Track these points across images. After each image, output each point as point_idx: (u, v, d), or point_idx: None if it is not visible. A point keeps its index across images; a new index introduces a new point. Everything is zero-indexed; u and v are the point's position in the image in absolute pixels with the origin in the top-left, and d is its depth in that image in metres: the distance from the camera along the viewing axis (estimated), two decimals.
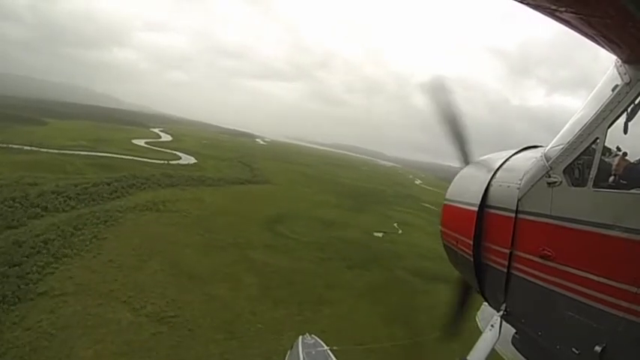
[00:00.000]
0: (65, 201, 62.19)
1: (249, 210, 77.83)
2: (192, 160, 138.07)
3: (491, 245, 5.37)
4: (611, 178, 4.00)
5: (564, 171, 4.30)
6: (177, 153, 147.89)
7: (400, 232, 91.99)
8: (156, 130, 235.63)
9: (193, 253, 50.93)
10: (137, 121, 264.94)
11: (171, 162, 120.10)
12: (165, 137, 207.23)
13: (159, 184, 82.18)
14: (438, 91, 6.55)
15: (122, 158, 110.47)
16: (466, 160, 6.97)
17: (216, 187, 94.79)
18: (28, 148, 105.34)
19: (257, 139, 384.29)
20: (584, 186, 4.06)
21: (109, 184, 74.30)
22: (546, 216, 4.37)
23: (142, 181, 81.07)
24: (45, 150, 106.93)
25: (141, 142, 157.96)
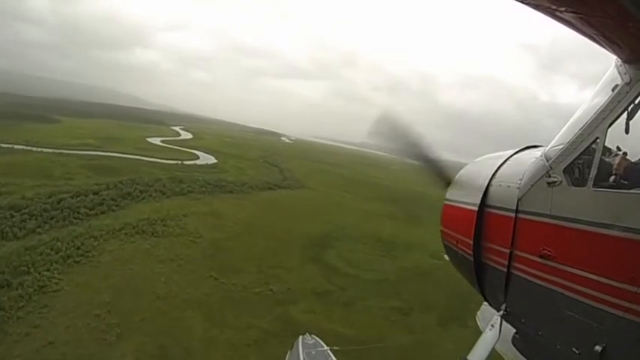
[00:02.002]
0: (23, 221, 42.77)
1: (284, 227, 56.46)
2: (211, 159, 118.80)
3: (491, 245, 5.28)
4: (611, 178, 3.95)
5: (564, 171, 4.22)
6: (196, 152, 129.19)
7: None
8: (176, 129, 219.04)
9: (198, 320, 29.85)
10: (157, 120, 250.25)
11: (185, 162, 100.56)
12: (186, 135, 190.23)
13: (163, 192, 62.12)
14: (389, 127, 6.15)
15: (128, 158, 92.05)
16: (447, 181, 6.55)
17: (239, 194, 74.00)
18: (20, 147, 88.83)
19: (282, 138, 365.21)
20: (584, 186, 4.00)
21: (96, 194, 54.84)
22: (546, 216, 4.31)
23: (143, 188, 61.21)
24: (39, 149, 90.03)
25: (156, 141, 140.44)
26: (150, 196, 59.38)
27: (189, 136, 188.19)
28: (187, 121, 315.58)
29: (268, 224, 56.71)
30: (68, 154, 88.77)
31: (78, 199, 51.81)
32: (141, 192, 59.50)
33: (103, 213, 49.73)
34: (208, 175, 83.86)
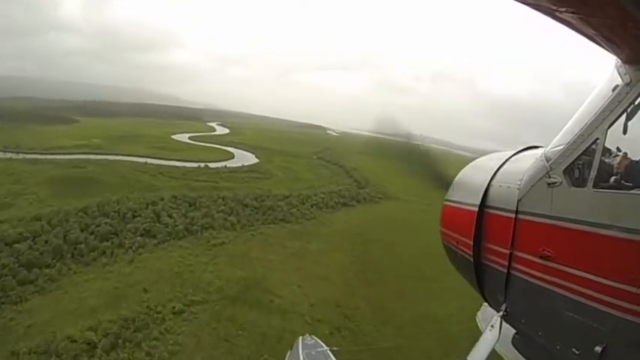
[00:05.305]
0: None
1: (416, 320, 23.15)
2: (251, 159, 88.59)
3: (491, 246, 5.13)
4: (611, 179, 3.88)
5: (564, 171, 4.10)
6: (231, 149, 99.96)
7: None
8: (212, 124, 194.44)
9: None
10: (193, 116, 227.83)
11: (211, 164, 69.77)
12: (222, 130, 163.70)
13: (152, 234, 30.74)
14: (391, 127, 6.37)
15: (128, 162, 63.38)
16: (446, 185, 6.44)
17: (299, 222, 41.43)
18: None
19: (328, 131, 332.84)
20: (584, 186, 3.91)
21: None
22: (546, 216, 4.21)
23: (117, 227, 30.40)
24: (11, 156, 63.84)
25: (183, 138, 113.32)
26: (121, 246, 28.36)
27: (225, 131, 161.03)
28: (227, 117, 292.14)
29: (383, 314, 23.61)
30: (46, 160, 61.80)
31: None
32: (104, 238, 28.66)
33: None
34: (245, 186, 52.45)
